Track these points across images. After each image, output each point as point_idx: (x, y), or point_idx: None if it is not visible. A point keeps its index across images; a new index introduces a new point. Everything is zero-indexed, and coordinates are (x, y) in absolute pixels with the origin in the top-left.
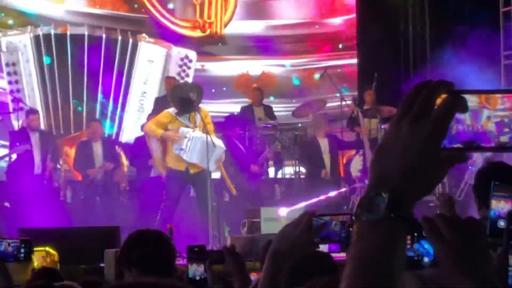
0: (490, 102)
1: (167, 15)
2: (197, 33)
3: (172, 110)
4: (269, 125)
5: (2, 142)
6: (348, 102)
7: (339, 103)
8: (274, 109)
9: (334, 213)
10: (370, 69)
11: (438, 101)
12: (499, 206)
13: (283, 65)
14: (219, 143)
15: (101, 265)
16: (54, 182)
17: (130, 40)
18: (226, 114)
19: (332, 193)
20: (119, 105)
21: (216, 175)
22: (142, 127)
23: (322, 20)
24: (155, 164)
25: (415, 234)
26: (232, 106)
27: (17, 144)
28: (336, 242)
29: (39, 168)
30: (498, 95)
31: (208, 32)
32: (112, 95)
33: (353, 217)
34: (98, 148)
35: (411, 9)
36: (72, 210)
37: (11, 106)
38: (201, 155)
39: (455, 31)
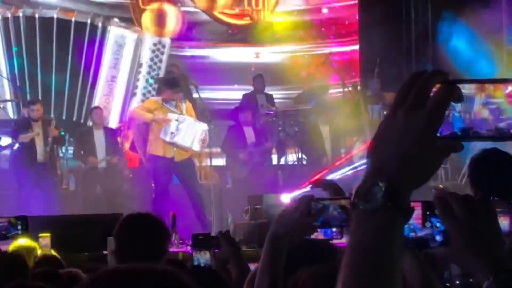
0: (488, 90)
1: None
2: (246, 21)
3: (157, 98)
4: (271, 112)
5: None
6: (350, 89)
7: (341, 90)
8: (276, 95)
9: (334, 198)
10: (372, 55)
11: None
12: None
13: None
14: (204, 125)
15: (104, 252)
16: (57, 170)
17: (99, 24)
18: (229, 101)
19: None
20: (88, 90)
21: (218, 161)
22: (128, 112)
23: (324, 6)
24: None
25: (427, 212)
26: (233, 93)
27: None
28: (335, 226)
29: (41, 156)
30: (493, 84)
31: (257, 19)
32: (80, 79)
33: (351, 206)
34: (100, 136)
35: None
36: (74, 198)
37: (8, 94)
38: (190, 138)
39: (458, 15)
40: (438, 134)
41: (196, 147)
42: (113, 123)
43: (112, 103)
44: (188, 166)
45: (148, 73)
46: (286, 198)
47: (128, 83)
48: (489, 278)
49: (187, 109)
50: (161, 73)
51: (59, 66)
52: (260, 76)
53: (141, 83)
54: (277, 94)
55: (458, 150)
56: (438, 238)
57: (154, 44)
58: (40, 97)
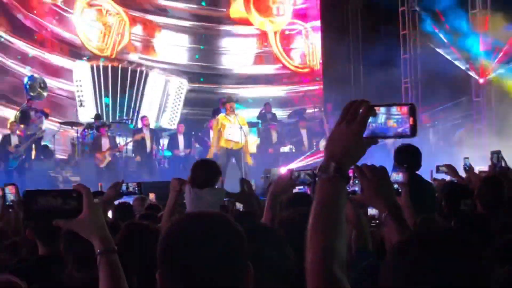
0: (391, 110)
1: None
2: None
3: (224, 113)
4: (274, 125)
5: None
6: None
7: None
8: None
9: (304, 169)
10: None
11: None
12: (395, 176)
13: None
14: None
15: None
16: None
17: None
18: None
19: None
20: None
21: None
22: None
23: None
24: (212, 146)
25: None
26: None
27: None
28: (306, 184)
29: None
30: (395, 106)
31: None
32: None
33: (316, 176)
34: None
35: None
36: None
37: None
38: (236, 137)
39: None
40: (363, 135)
41: (242, 142)
42: None
43: None
44: (239, 153)
45: None
46: (282, 170)
47: None
48: (385, 211)
49: (239, 121)
50: None
51: None
52: (268, 103)
53: None
54: (278, 113)
55: (374, 144)
56: (356, 189)
57: None
58: None
